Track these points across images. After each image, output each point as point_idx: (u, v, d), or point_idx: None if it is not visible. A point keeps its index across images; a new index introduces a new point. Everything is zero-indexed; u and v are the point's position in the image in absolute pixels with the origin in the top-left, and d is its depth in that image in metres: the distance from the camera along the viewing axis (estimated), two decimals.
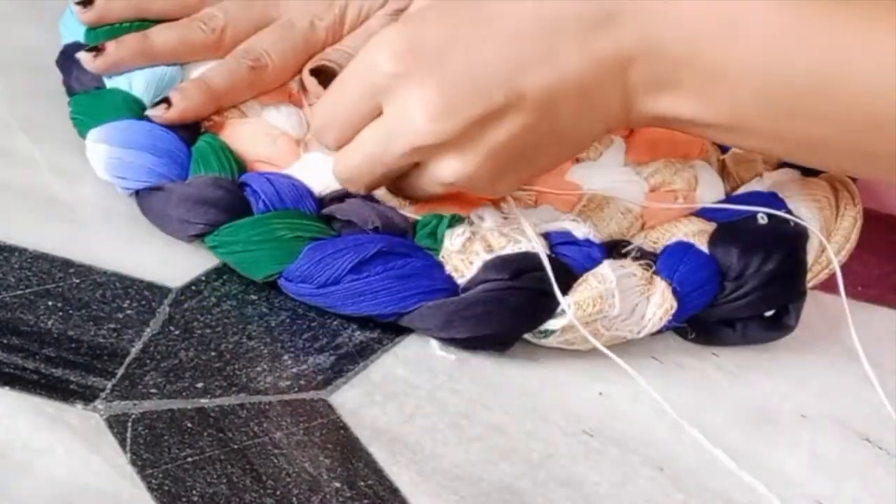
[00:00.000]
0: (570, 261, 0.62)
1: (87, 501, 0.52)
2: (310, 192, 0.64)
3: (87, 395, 0.56)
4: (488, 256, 0.61)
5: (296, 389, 0.59)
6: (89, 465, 0.53)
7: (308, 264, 0.61)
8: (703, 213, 0.66)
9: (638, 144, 0.70)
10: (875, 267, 0.72)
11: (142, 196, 0.64)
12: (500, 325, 0.61)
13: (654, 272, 0.63)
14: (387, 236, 0.62)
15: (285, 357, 0.60)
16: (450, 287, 0.61)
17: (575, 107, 0.60)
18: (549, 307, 0.60)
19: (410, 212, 0.64)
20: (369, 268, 0.61)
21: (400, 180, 0.63)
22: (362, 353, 0.61)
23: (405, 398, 0.59)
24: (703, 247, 0.64)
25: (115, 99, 0.66)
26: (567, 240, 0.63)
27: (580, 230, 0.63)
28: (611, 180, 0.68)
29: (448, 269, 0.61)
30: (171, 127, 0.65)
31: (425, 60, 0.59)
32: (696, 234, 0.64)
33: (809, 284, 0.65)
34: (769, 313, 0.65)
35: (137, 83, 0.66)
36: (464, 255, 0.61)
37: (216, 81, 0.67)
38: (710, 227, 0.65)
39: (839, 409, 0.63)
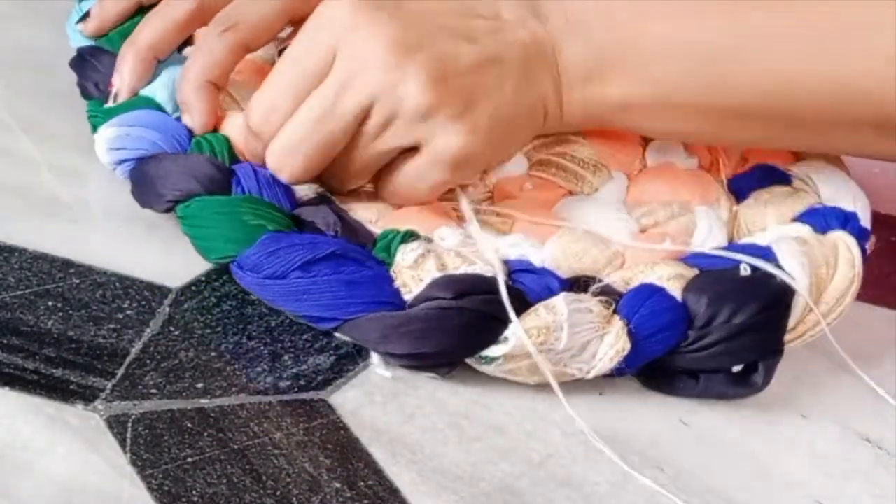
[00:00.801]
0: (525, 289, 0.60)
1: (87, 501, 0.52)
2: (290, 193, 0.63)
3: (87, 395, 0.56)
4: (439, 275, 0.59)
5: (296, 389, 0.59)
6: (89, 465, 0.53)
7: (260, 254, 0.60)
8: (688, 259, 0.64)
9: (641, 184, 0.69)
10: (875, 267, 0.72)
11: (136, 167, 0.64)
12: (437, 344, 0.59)
13: (615, 311, 0.60)
14: (343, 241, 0.61)
15: (285, 357, 0.60)
16: (396, 302, 0.59)
17: (518, 79, 0.62)
18: (492, 332, 0.59)
19: (378, 227, 0.63)
20: (318, 268, 0.59)
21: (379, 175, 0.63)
22: (362, 354, 0.61)
23: (405, 398, 0.59)
24: (677, 292, 0.61)
25: (135, 99, 0.66)
26: (525, 268, 0.61)
27: (537, 256, 0.62)
28: (598, 216, 0.66)
29: (397, 283, 0.60)
30: None
31: (382, 9, 0.61)
32: (672, 277, 0.62)
33: (793, 344, 0.63)
34: (737, 369, 0.62)
35: (158, 87, 0.67)
36: (415, 271, 0.60)
37: (195, 71, 0.66)
38: (691, 273, 0.62)
39: (839, 409, 0.63)
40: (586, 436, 0.60)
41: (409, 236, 0.61)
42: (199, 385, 0.58)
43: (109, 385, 0.57)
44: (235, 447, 0.55)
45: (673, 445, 0.60)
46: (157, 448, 0.54)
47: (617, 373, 0.60)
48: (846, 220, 0.67)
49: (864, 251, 0.66)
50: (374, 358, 0.60)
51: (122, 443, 0.54)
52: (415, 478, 0.56)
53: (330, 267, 0.59)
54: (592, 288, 0.61)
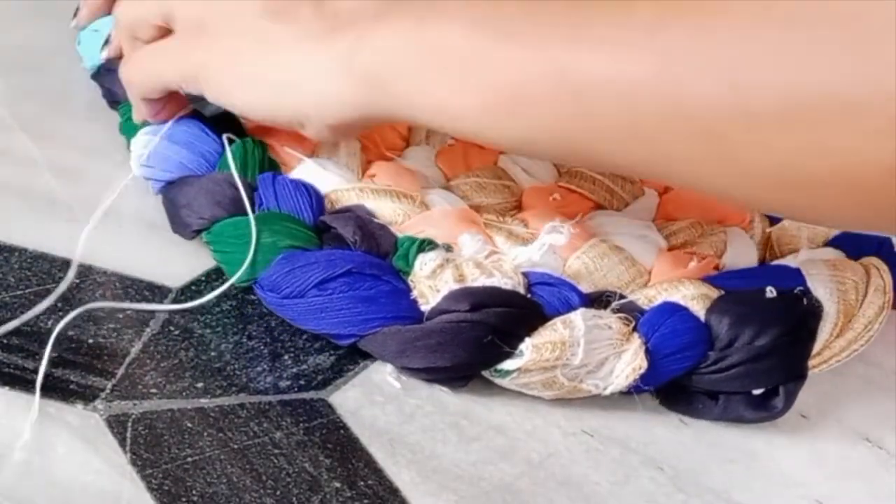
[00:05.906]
0: (544, 302, 0.59)
1: (87, 501, 0.52)
2: (311, 202, 0.62)
3: (87, 395, 0.56)
4: (456, 286, 0.59)
5: (296, 389, 0.59)
6: (89, 465, 0.53)
7: (278, 274, 0.60)
8: (714, 279, 0.63)
9: (672, 202, 0.68)
10: None
11: (164, 191, 0.64)
12: (452, 358, 0.58)
13: (634, 328, 0.59)
14: (361, 255, 0.60)
15: (285, 357, 0.60)
16: (413, 315, 0.59)
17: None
18: (507, 346, 0.58)
19: (403, 230, 0.62)
20: (335, 286, 0.59)
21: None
22: (362, 353, 0.61)
23: (405, 398, 0.59)
24: (700, 312, 0.60)
25: None
26: (545, 280, 0.60)
27: (560, 269, 0.61)
28: (625, 232, 0.65)
29: (414, 294, 0.59)
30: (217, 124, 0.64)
31: None
32: (696, 297, 0.61)
33: (817, 370, 0.62)
34: (758, 391, 0.60)
35: None
36: (432, 281, 0.59)
37: None
38: (716, 293, 0.61)
39: (839, 409, 0.63)
40: (586, 436, 0.60)
41: (428, 245, 0.61)
42: (199, 385, 0.58)
43: (109, 385, 0.57)
44: (235, 447, 0.55)
45: (673, 445, 0.60)
46: (157, 448, 0.55)
47: (634, 390, 0.60)
48: (880, 246, 0.66)
49: None
50: (388, 368, 0.60)
51: (122, 442, 0.54)
52: (415, 478, 0.56)
53: (346, 284, 0.59)
54: (613, 304, 0.60)
